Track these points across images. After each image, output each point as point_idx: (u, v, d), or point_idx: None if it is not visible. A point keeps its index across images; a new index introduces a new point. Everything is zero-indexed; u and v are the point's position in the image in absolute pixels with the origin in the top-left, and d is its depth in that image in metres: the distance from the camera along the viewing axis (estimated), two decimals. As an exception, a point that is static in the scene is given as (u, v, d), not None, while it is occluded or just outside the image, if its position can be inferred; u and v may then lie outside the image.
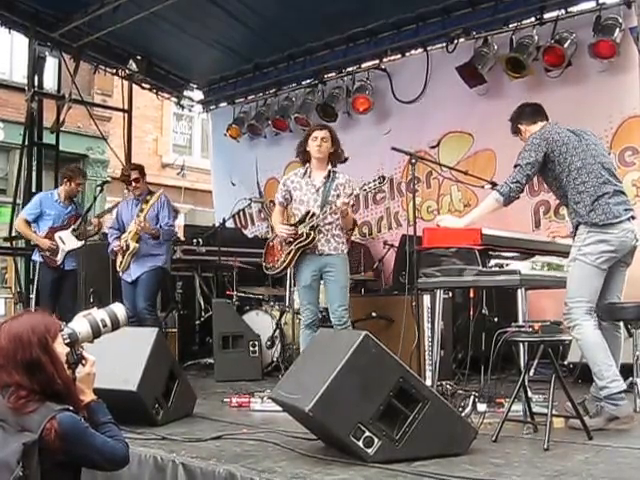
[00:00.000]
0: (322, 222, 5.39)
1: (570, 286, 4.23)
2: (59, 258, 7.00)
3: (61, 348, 2.51)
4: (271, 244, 5.82)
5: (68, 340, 2.55)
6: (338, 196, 5.41)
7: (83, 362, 2.59)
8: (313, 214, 5.42)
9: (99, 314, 2.70)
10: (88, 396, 2.60)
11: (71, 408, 2.44)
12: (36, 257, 7.15)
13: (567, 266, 4.36)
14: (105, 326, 2.69)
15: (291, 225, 5.52)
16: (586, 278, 4.17)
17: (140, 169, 6.89)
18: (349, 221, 5.57)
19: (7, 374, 2.44)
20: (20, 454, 2.33)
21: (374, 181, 5.33)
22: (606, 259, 4.17)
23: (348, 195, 5.34)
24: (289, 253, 5.47)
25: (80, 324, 2.64)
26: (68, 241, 7.03)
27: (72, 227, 7.09)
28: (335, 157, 5.57)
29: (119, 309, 2.75)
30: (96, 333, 2.67)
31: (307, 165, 5.57)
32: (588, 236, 4.19)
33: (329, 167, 5.52)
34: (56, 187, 7.74)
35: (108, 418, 2.61)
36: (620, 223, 4.18)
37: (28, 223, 7.15)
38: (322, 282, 5.54)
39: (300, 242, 5.40)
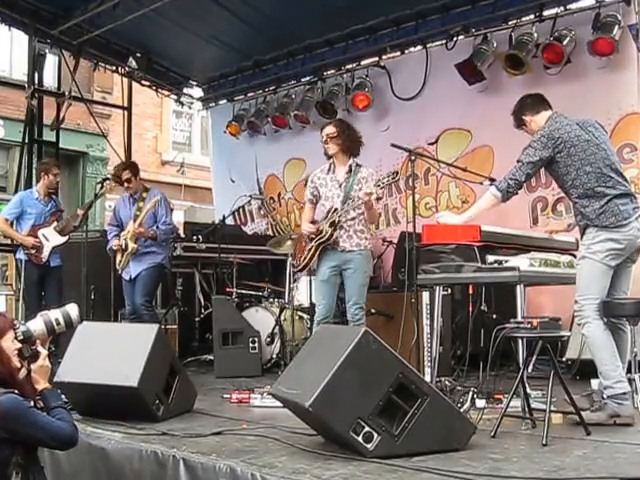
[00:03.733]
0: (344, 217, 5.35)
1: (580, 284, 4.24)
2: (44, 255, 6.96)
3: (10, 343, 2.87)
4: (300, 242, 5.83)
5: (22, 337, 2.90)
6: (361, 190, 5.34)
7: (37, 356, 2.95)
8: (335, 210, 5.40)
9: (54, 314, 3.08)
10: (42, 384, 2.94)
11: (16, 392, 2.76)
12: (20, 255, 7.06)
13: (577, 264, 4.37)
14: (59, 324, 3.07)
15: (314, 222, 5.53)
16: (595, 276, 4.18)
17: (132, 167, 6.85)
18: (374, 214, 5.45)
19: None
20: None
21: (388, 176, 5.31)
22: (614, 257, 4.18)
23: (372, 186, 5.24)
24: (310, 250, 5.48)
25: (36, 323, 3.03)
26: (51, 237, 6.97)
27: (55, 223, 7.02)
28: (351, 149, 5.48)
29: (73, 310, 3.12)
30: (50, 331, 3.06)
31: (331, 160, 5.54)
32: (597, 235, 4.18)
33: (350, 161, 5.48)
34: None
35: (59, 403, 2.94)
36: (629, 223, 4.18)
37: (9, 223, 7.05)
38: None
39: (320, 239, 5.39)
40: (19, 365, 2.89)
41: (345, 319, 5.53)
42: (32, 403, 2.84)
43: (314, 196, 5.60)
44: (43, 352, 2.97)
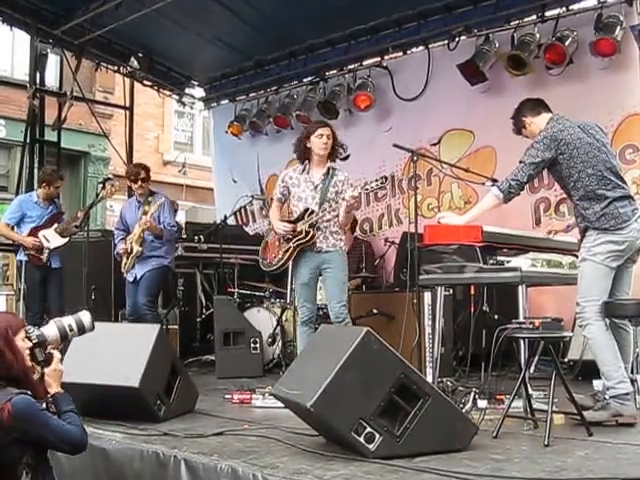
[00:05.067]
0: (321, 219, 5.38)
1: (581, 286, 4.25)
2: (45, 256, 6.95)
3: (22, 342, 2.93)
4: (268, 240, 5.81)
5: (36, 340, 2.98)
6: (337, 193, 5.39)
7: (51, 360, 3.02)
8: (312, 211, 5.40)
9: (67, 320, 3.14)
10: (54, 388, 3.00)
11: (29, 393, 2.81)
12: (21, 257, 7.06)
13: (577, 266, 4.37)
14: (72, 330, 3.13)
15: (289, 222, 5.53)
16: (596, 278, 4.19)
17: (147, 169, 6.88)
18: (350, 219, 5.54)
19: None
20: None
21: (376, 181, 5.33)
22: (615, 258, 4.19)
23: (355, 189, 5.28)
24: (287, 250, 5.46)
25: (50, 328, 3.09)
26: (52, 239, 6.96)
27: (55, 225, 7.01)
28: (335, 154, 5.54)
29: (85, 316, 3.18)
30: (63, 336, 3.12)
31: (306, 162, 5.55)
32: (597, 237, 4.20)
33: (328, 164, 5.51)
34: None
35: (70, 408, 2.97)
36: (629, 225, 4.19)
37: (11, 227, 7.05)
38: (321, 279, 5.54)
39: (299, 240, 5.40)
40: (31, 365, 2.94)
41: (326, 321, 5.55)
42: (44, 405, 2.88)
43: (283, 195, 5.62)
44: (57, 356, 3.04)
